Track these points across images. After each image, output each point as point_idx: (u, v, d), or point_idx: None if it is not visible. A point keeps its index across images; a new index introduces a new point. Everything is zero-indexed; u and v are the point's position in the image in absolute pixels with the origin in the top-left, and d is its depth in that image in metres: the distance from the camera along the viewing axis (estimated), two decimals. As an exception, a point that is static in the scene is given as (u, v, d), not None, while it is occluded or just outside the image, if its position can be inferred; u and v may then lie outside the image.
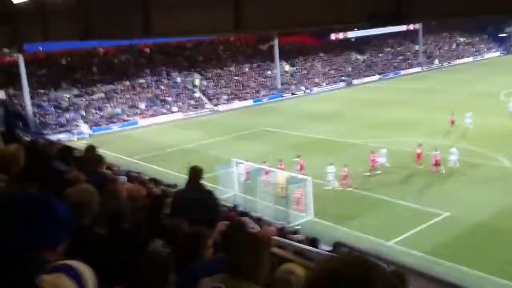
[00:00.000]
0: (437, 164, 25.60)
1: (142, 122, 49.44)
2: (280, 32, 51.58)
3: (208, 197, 6.18)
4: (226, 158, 27.77)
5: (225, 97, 57.23)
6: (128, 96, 53.40)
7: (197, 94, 56.92)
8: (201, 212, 5.39)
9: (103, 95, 52.38)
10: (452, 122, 35.35)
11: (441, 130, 34.61)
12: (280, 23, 12.21)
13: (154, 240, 4.71)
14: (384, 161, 27.15)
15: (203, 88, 58.33)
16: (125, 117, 49.86)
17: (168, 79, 58.13)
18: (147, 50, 60.62)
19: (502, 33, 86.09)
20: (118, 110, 50.44)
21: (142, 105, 52.31)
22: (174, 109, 52.93)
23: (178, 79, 58.54)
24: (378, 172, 26.26)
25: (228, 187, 24.60)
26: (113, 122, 48.58)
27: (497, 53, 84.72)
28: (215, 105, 55.21)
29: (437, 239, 18.39)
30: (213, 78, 60.68)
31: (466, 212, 20.54)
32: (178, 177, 27.47)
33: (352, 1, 9.53)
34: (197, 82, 58.49)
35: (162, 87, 56.39)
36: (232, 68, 63.11)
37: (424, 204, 21.74)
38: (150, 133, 44.44)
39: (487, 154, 28.12)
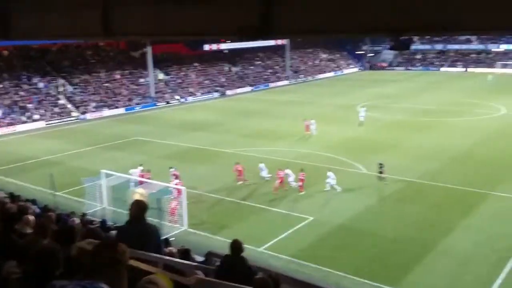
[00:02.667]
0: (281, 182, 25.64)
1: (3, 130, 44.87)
2: (152, 40, 50.68)
3: (153, 234, 5.81)
4: (94, 170, 26.38)
5: (93, 104, 54.46)
6: (-19, 102, 48.13)
7: (62, 101, 53.36)
8: (145, 250, 5.17)
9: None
10: (307, 127, 38.24)
11: (303, 140, 36.88)
12: (152, 31, 12.01)
13: (6, 262, 4.27)
14: (265, 174, 26.91)
15: (69, 95, 54.88)
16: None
17: (29, 85, 53.63)
18: (5, 52, 55.39)
19: (360, 50, 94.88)
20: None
21: (0, 114, 47.55)
22: (36, 117, 48.93)
23: (41, 85, 54.32)
24: (247, 182, 26.60)
25: (96, 200, 23.35)
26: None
27: (356, 69, 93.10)
28: (83, 113, 52.28)
29: (303, 243, 19.44)
30: (80, 84, 57.42)
31: (329, 216, 22.06)
32: (39, 192, 25.56)
33: (223, 15, 9.75)
34: (61, 88, 54.84)
35: (22, 93, 51.84)
36: (101, 74, 60.35)
37: (292, 210, 22.89)
38: (7, 144, 40.50)
39: (345, 161, 30.55)
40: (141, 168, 26.31)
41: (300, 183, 24.85)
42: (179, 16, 10.49)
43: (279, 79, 77.18)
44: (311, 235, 20.13)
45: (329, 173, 25.69)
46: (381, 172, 27.00)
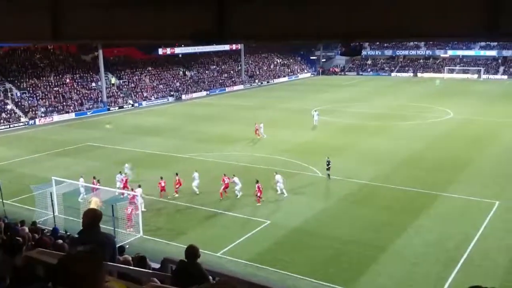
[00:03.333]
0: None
1: None
2: (104, 43, 49.63)
3: (108, 243, 5.60)
4: (44, 177, 25.50)
5: (43, 109, 52.67)
6: None
7: (10, 106, 51.30)
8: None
9: None
10: (256, 131, 38.98)
11: (258, 144, 37.13)
12: (103, 34, 11.77)
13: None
14: (196, 184, 26.04)
15: (17, 100, 52.84)
16: None
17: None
18: None
19: (313, 56, 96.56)
20: None
21: None
22: (-19, 122, 46.81)
23: (-14, 89, 52.03)
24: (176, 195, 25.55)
25: (47, 208, 22.57)
26: None
27: (309, 74, 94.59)
28: (31, 118, 50.45)
29: (260, 247, 19.53)
30: (29, 88, 55.38)
31: (285, 220, 22.27)
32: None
33: (176, 19, 9.69)
34: (12, 93, 52.71)
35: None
36: (51, 79, 58.47)
37: (248, 215, 22.94)
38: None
39: (300, 164, 30.96)
40: (82, 179, 25.07)
41: (259, 194, 24.47)
42: (131, 20, 10.34)
43: (234, 83, 77.34)
44: (268, 239, 20.25)
45: (277, 176, 25.84)
46: (328, 168, 27.87)
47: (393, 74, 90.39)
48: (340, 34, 8.25)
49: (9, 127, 47.70)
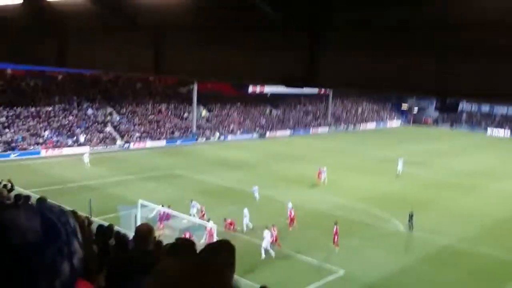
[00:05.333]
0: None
1: (45, 152, 46.61)
2: (199, 80, 52.10)
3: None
4: (131, 199, 26.87)
5: (137, 134, 56.01)
6: (32, 123, 50.36)
7: (108, 129, 55.18)
8: None
9: (3, 119, 48.96)
10: (319, 174, 38.07)
11: (337, 189, 36.40)
12: (199, 72, 12.48)
13: None
14: (247, 222, 26.04)
15: (115, 124, 56.76)
16: (26, 145, 46.76)
17: (78, 110, 55.91)
18: (59, 77, 58.20)
19: (403, 106, 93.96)
20: (19, 137, 47.31)
21: (47, 135, 49.52)
22: (82, 141, 50.70)
23: (90, 111, 56.52)
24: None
25: (131, 229, 23.60)
26: (12, 149, 45.30)
27: (399, 122, 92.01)
28: (126, 142, 53.78)
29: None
30: (127, 114, 59.36)
31: (361, 272, 21.39)
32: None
33: (269, 63, 10.03)
34: (108, 117, 56.80)
35: (71, 118, 54.02)
36: (148, 106, 62.30)
37: (323, 261, 22.38)
38: (52, 165, 41.94)
39: (381, 216, 29.84)
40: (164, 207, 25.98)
41: (336, 238, 23.97)
42: (225, 60, 10.88)
43: (319, 125, 77.22)
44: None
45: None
46: (411, 222, 26.69)
47: (489, 130, 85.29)
48: (434, 91, 8.08)
49: (106, 148, 51.10)
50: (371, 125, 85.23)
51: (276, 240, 23.43)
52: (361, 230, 27.10)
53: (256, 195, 31.78)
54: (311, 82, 9.54)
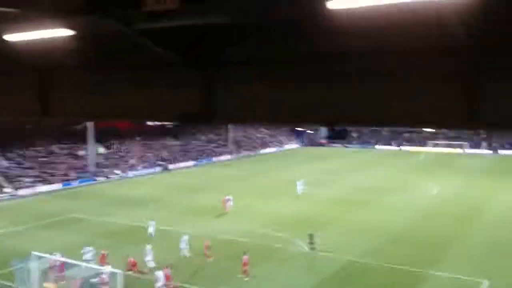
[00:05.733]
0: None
1: None
2: (93, 120, 50.13)
3: None
4: (25, 251, 24.72)
5: (28, 179, 52.02)
6: None
7: (-6, 176, 50.68)
8: None
9: None
10: (224, 203, 38.20)
11: (247, 216, 36.77)
12: (92, 113, 12.03)
13: None
14: (149, 259, 25.24)
15: (3, 170, 52.32)
16: None
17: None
18: None
19: (300, 128, 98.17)
20: None
21: None
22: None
23: (-29, 158, 51.61)
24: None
25: (25, 285, 21.70)
26: None
27: (297, 145, 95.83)
28: (16, 188, 49.69)
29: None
30: (16, 158, 55.08)
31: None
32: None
33: (165, 100, 9.98)
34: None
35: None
36: (38, 148, 58.38)
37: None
38: None
39: (286, 238, 30.51)
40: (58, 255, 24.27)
41: (245, 268, 23.98)
42: (120, 101, 10.63)
43: (222, 153, 77.74)
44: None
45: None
46: (311, 243, 27.50)
47: (377, 146, 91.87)
48: (325, 120, 8.59)
49: (-8, 197, 46.76)
50: (271, 149, 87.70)
51: (168, 280, 22.48)
52: (269, 254, 27.45)
53: (151, 230, 30.60)
54: (208, 118, 9.63)
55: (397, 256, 27.16)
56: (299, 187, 44.46)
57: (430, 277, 24.22)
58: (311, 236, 27.96)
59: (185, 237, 27.45)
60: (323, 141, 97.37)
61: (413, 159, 73.76)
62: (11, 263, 23.12)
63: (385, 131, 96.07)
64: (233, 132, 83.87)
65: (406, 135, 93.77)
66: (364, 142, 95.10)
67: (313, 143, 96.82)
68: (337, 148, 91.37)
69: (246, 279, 23.56)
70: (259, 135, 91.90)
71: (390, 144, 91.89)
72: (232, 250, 27.15)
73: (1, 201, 45.76)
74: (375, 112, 7.48)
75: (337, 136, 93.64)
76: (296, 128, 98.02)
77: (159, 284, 21.79)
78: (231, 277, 23.93)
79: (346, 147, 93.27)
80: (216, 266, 25.41)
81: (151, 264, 24.73)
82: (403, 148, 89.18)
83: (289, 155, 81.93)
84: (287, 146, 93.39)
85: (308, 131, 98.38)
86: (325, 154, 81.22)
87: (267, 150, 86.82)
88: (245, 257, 24.01)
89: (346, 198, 43.62)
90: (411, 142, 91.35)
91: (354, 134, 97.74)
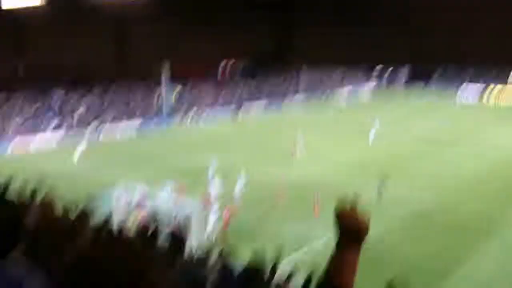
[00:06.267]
0: None
1: (17, 143, 45.36)
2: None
3: None
4: (110, 183, 26.36)
5: (109, 117, 54.77)
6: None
7: (80, 111, 53.80)
8: None
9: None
10: (296, 147, 38.05)
11: (318, 158, 36.52)
12: (168, 56, 12.09)
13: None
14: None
15: (87, 108, 55.37)
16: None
17: (45, 95, 54.26)
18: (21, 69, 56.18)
19: (376, 69, 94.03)
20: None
21: (14, 125, 48.14)
22: (52, 127, 49.49)
23: (55, 97, 55.00)
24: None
25: (112, 214, 23.18)
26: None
27: (372, 87, 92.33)
28: (98, 125, 52.46)
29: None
30: (98, 96, 58.02)
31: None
32: None
33: (242, 42, 9.73)
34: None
35: (40, 104, 52.47)
36: (119, 87, 60.95)
37: (303, 230, 22.41)
38: (20, 156, 40.79)
39: (355, 183, 30.09)
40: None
41: (315, 210, 24.02)
42: (196, 42, 10.51)
43: (294, 96, 76.23)
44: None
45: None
46: (380, 190, 26.95)
47: (460, 90, 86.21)
48: (404, 61, 7.94)
49: (78, 134, 49.75)
50: (345, 91, 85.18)
51: (228, 220, 23.00)
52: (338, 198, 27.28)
53: (212, 171, 30.55)
54: (283, 59, 9.26)
55: (477, 200, 26.09)
56: (373, 131, 43.21)
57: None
58: (380, 183, 27.32)
59: (243, 180, 27.70)
60: (402, 82, 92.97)
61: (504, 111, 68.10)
62: (98, 194, 24.72)
63: (470, 74, 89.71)
64: (307, 74, 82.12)
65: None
66: (447, 84, 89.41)
67: (390, 84, 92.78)
68: (417, 90, 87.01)
69: (315, 219, 23.79)
70: (333, 77, 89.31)
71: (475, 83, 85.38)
72: (302, 193, 27.28)
73: (83, 138, 48.70)
74: (454, 51, 6.73)
75: (417, 78, 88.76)
76: (372, 70, 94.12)
77: (212, 217, 22.40)
78: (300, 219, 24.18)
79: (426, 89, 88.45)
80: (285, 208, 25.72)
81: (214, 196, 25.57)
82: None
83: (364, 96, 79.26)
84: (362, 88, 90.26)
85: (386, 71, 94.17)
86: (403, 96, 77.79)
87: (341, 92, 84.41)
88: (315, 200, 24.14)
89: (423, 145, 41.90)
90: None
91: (436, 76, 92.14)
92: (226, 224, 22.97)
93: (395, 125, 49.68)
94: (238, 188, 27.14)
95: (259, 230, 22.89)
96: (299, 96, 76.30)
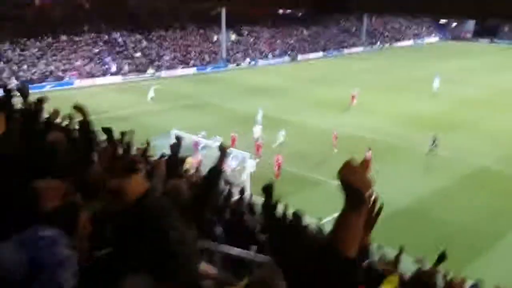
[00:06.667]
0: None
1: (78, 82, 47.29)
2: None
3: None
4: (164, 128, 27.20)
5: (167, 61, 55.68)
6: (63, 53, 50.65)
7: (138, 55, 54.96)
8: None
9: (35, 50, 49.38)
10: (353, 98, 37.33)
11: (374, 112, 35.79)
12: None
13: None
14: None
15: (146, 52, 56.42)
16: (59, 75, 47.48)
17: (108, 38, 55.63)
18: (86, 4, 57.42)
19: (441, 21, 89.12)
20: (52, 68, 47.94)
21: (79, 64, 49.92)
22: (113, 71, 50.97)
23: (120, 39, 56.19)
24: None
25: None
26: (46, 80, 46.04)
27: (437, 38, 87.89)
28: (157, 69, 53.64)
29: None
30: (156, 40, 58.78)
31: (394, 196, 21.24)
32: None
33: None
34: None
35: (102, 46, 53.93)
36: (176, 31, 61.33)
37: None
38: (85, 95, 42.50)
39: (411, 137, 29.37)
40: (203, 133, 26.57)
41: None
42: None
43: (353, 45, 74.47)
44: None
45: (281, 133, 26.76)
46: (434, 145, 26.18)
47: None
48: (473, 14, 7.43)
49: (137, 77, 51.22)
50: (408, 42, 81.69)
51: (279, 167, 23.56)
52: (393, 153, 26.86)
53: (259, 117, 31.68)
54: (343, 6, 8.93)
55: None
56: (436, 84, 41.58)
57: None
58: (435, 138, 26.59)
59: (283, 132, 27.95)
60: (468, 35, 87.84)
61: None
62: (152, 138, 25.56)
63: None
64: (367, 23, 79.04)
65: None
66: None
67: (456, 37, 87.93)
68: (484, 44, 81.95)
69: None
70: (395, 26, 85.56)
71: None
72: (355, 145, 26.96)
73: (144, 81, 49.98)
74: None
75: (485, 30, 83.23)
76: (438, 21, 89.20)
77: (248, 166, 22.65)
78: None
79: (495, 43, 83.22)
80: (338, 159, 25.58)
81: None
82: None
83: (427, 49, 75.71)
84: (426, 40, 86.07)
85: (452, 24, 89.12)
86: (469, 50, 73.63)
87: (404, 43, 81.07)
88: (368, 154, 23.72)
89: (485, 101, 39.87)
90: None
91: (506, 29, 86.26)
92: (278, 172, 23.33)
93: (458, 78, 47.42)
94: (282, 136, 27.63)
95: (308, 181, 23.12)
96: (359, 45, 74.29)
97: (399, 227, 18.76)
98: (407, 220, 19.40)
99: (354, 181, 1.67)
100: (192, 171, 18.08)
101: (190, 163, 21.95)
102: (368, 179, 1.72)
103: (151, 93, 39.83)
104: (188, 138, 24.79)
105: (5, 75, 44.83)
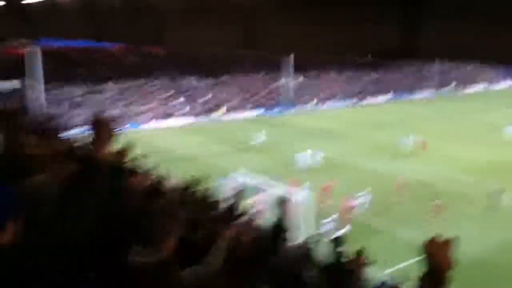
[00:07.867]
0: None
1: (150, 124, 49.40)
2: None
3: None
4: (225, 169, 27.64)
5: (233, 104, 57.13)
6: (137, 96, 53.53)
7: (206, 98, 56.85)
8: None
9: (113, 93, 52.59)
10: (421, 144, 36.25)
11: (443, 159, 34.49)
12: (291, 48, 12.28)
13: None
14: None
15: (212, 94, 58.35)
16: (133, 118, 50.03)
17: (178, 82, 58.28)
18: (159, 53, 60.88)
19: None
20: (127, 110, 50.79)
21: (151, 107, 52.44)
22: (184, 112, 53.11)
23: (193, 83, 58.80)
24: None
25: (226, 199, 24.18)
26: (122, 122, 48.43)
27: (509, 84, 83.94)
28: (226, 111, 54.97)
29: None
30: (222, 84, 60.78)
31: (463, 247, 20.17)
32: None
33: (366, 36, 9.55)
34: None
35: (172, 90, 56.54)
36: (241, 75, 63.17)
37: (425, 234, 21.42)
38: (156, 136, 44.20)
39: (480, 187, 27.82)
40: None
41: (436, 212, 22.84)
42: (320, 35, 10.56)
43: (420, 89, 72.07)
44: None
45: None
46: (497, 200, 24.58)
47: None
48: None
49: (206, 118, 52.69)
50: (478, 87, 78.57)
51: (348, 211, 22.94)
52: (462, 203, 25.57)
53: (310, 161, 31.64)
54: (410, 53, 8.92)
55: None
56: (509, 132, 39.55)
57: None
58: (496, 190, 25.01)
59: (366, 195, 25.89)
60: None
61: None
62: (217, 180, 25.94)
63: None
64: (433, 68, 77.08)
65: None
66: None
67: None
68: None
69: (434, 219, 22.54)
70: (468, 69, 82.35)
71: None
72: (422, 193, 26.05)
73: (212, 123, 51.24)
74: None
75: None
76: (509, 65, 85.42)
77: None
78: (420, 219, 23.11)
79: None
80: (404, 206, 24.74)
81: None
82: None
83: (499, 95, 72.48)
84: (498, 85, 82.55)
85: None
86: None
87: (474, 88, 78.12)
88: (437, 202, 22.87)
89: None
90: None
91: None
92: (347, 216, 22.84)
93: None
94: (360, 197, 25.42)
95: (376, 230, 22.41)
96: (426, 90, 72.23)
97: (469, 279, 17.66)
98: (478, 272, 18.26)
99: (438, 259, 1.72)
100: (253, 211, 18.01)
101: (251, 203, 21.86)
102: (451, 260, 1.76)
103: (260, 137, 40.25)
104: (255, 181, 24.84)
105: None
